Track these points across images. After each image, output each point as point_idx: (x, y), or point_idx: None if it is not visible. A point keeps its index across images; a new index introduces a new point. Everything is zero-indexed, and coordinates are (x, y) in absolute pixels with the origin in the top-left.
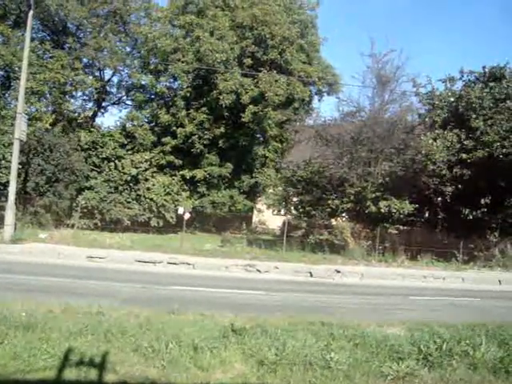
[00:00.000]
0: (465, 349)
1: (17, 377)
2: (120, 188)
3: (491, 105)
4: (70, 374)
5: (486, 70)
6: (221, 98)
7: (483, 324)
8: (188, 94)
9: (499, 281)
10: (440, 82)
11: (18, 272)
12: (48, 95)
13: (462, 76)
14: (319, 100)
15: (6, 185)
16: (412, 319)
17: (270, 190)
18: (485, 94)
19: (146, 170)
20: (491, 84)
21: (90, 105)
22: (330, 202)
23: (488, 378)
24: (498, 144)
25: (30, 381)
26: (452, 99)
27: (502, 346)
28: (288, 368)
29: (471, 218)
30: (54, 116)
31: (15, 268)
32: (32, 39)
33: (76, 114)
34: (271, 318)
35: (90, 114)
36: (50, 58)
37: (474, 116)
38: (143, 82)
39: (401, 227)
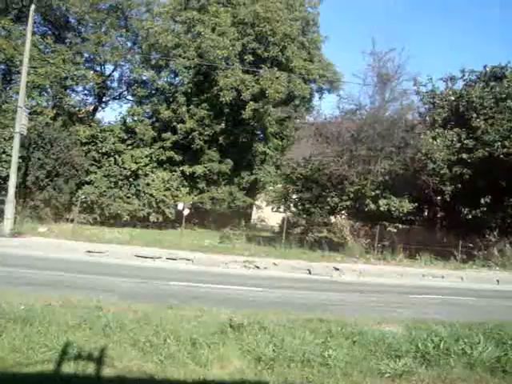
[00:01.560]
0: (462, 347)
1: (16, 370)
2: (120, 183)
3: (492, 104)
4: (68, 367)
5: (487, 69)
6: (221, 94)
7: (481, 323)
8: (189, 90)
9: (497, 280)
10: (441, 81)
11: (17, 265)
12: (49, 89)
13: (463, 75)
14: (320, 98)
15: (6, 179)
16: (410, 317)
17: (270, 187)
18: (486, 93)
19: (146, 165)
20: (492, 83)
21: (91, 99)
22: (329, 199)
23: (485, 376)
24: (499, 143)
25: (28, 374)
26: (453, 98)
27: (500, 345)
28: (286, 364)
29: (470, 217)
30: (54, 110)
31: (14, 261)
32: (33, 33)
33: (77, 109)
34: (269, 314)
35: (91, 108)
36: (52, 52)
37: (474, 115)
38: (144, 78)
39: (400, 226)
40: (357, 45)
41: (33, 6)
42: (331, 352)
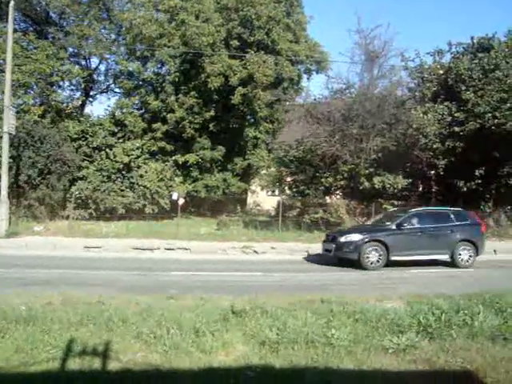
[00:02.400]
0: (463, 319)
1: (21, 370)
2: (113, 177)
3: (481, 76)
4: (73, 364)
5: (475, 41)
6: (209, 81)
7: (480, 293)
8: (176, 79)
9: (494, 250)
10: (428, 55)
11: (15, 266)
12: (35, 87)
13: (451, 48)
14: (308, 79)
15: None
16: (410, 292)
17: (264, 171)
18: (474, 65)
19: (138, 157)
20: (480, 55)
21: (78, 94)
22: (323, 180)
23: (487, 345)
24: (490, 115)
25: (34, 373)
26: (441, 72)
27: (499, 313)
28: (290, 347)
29: (465, 189)
30: (42, 108)
31: (11, 262)
32: (15, 30)
33: (64, 105)
34: (271, 298)
35: (79, 103)
36: (35, 48)
37: (463, 88)
38: (130, 69)
39: (395, 202)
40: (342, 23)
41: (12, 3)
42: (334, 331)
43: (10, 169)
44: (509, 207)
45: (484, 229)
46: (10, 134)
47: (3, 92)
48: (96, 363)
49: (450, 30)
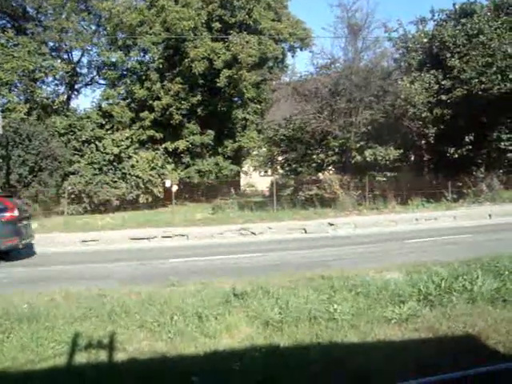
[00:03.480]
0: (463, 284)
1: (28, 368)
2: (104, 169)
3: (465, 41)
4: (80, 358)
5: (457, 6)
6: (193, 65)
7: (478, 258)
8: (160, 66)
9: (489, 215)
10: (412, 25)
11: (12, 265)
12: (18, 84)
13: (433, 16)
14: (292, 56)
15: None
16: (409, 262)
17: (255, 152)
18: (457, 31)
19: (128, 147)
20: (463, 21)
21: (63, 89)
22: (315, 156)
23: (487, 308)
24: (476, 80)
25: (41, 370)
26: (425, 40)
27: (498, 277)
28: (293, 325)
29: (456, 156)
30: (27, 105)
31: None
32: None
33: (50, 100)
34: (271, 278)
35: (64, 98)
36: (15, 45)
37: (448, 55)
38: (113, 59)
39: (388, 174)
40: None
41: None
42: (336, 306)
43: (1, 169)
44: (500, 171)
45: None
46: None
47: None
48: (102, 355)
49: None
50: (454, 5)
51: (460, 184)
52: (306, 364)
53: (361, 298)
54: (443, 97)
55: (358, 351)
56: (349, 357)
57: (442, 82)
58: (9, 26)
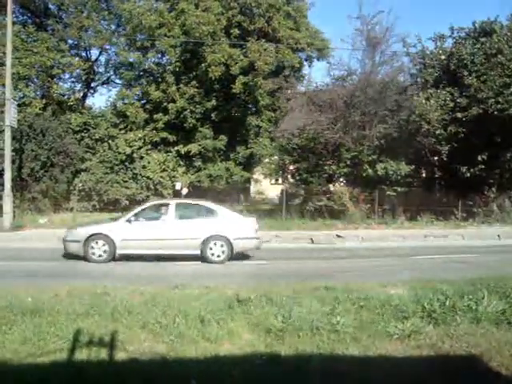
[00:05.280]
0: (468, 304)
1: (29, 361)
2: (116, 168)
3: (483, 60)
4: (80, 354)
5: (476, 25)
6: (210, 70)
7: (484, 278)
8: (177, 69)
9: (498, 235)
10: (430, 41)
11: (20, 259)
12: (35, 79)
13: (452, 33)
14: (309, 66)
15: (1, 173)
16: (414, 278)
17: (266, 160)
18: (476, 49)
19: (141, 148)
20: (482, 39)
21: (79, 86)
22: (326, 167)
23: (491, 329)
24: (493, 100)
25: (42, 364)
26: (443, 57)
27: (504, 298)
28: (295, 334)
29: (468, 175)
30: (43, 100)
31: (17, 255)
32: (14, 23)
33: (66, 97)
34: (275, 286)
35: (80, 95)
36: (34, 41)
37: (466, 73)
38: (131, 60)
39: (399, 189)
40: (343, 9)
41: None
42: (339, 318)
43: (13, 162)
44: None
45: None
46: (12, 127)
47: (4, 85)
48: (103, 353)
49: (451, 14)
50: (473, 23)
51: (471, 203)
52: (306, 374)
53: (364, 312)
54: (458, 115)
55: (358, 364)
56: (349, 369)
57: (458, 100)
58: (30, 21)
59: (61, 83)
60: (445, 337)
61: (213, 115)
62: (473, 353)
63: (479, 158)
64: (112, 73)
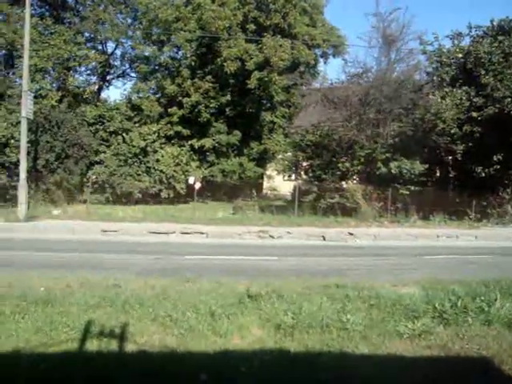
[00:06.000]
0: (480, 305)
1: (41, 350)
2: (129, 161)
3: (501, 59)
4: (91, 345)
5: (495, 23)
6: (225, 65)
7: (497, 280)
8: (192, 63)
9: None
10: (447, 39)
11: (34, 249)
12: (52, 71)
13: (470, 31)
14: (325, 63)
15: (16, 164)
16: (426, 278)
17: (280, 156)
18: (494, 48)
19: (155, 141)
20: (500, 38)
21: (95, 79)
22: (340, 164)
23: (503, 332)
24: (509, 99)
25: (53, 353)
26: (460, 55)
27: None
28: (305, 331)
29: (483, 175)
30: (59, 92)
31: (31, 245)
32: (32, 15)
33: (81, 89)
34: (286, 282)
35: (96, 88)
36: (52, 33)
37: (483, 72)
38: (146, 53)
39: (412, 187)
40: (360, 6)
41: None
42: (349, 316)
43: (29, 153)
44: None
45: None
46: (28, 118)
47: (21, 77)
48: (113, 345)
49: (469, 13)
50: (491, 21)
51: (485, 203)
52: (315, 371)
53: (374, 310)
54: (474, 114)
55: (368, 363)
56: (358, 367)
57: (474, 99)
58: (47, 14)
59: (77, 76)
60: (455, 338)
61: (227, 110)
62: (484, 355)
63: (494, 158)
64: (127, 66)
